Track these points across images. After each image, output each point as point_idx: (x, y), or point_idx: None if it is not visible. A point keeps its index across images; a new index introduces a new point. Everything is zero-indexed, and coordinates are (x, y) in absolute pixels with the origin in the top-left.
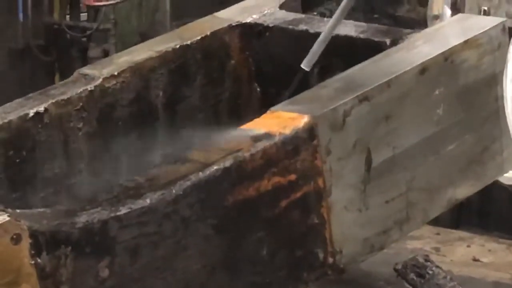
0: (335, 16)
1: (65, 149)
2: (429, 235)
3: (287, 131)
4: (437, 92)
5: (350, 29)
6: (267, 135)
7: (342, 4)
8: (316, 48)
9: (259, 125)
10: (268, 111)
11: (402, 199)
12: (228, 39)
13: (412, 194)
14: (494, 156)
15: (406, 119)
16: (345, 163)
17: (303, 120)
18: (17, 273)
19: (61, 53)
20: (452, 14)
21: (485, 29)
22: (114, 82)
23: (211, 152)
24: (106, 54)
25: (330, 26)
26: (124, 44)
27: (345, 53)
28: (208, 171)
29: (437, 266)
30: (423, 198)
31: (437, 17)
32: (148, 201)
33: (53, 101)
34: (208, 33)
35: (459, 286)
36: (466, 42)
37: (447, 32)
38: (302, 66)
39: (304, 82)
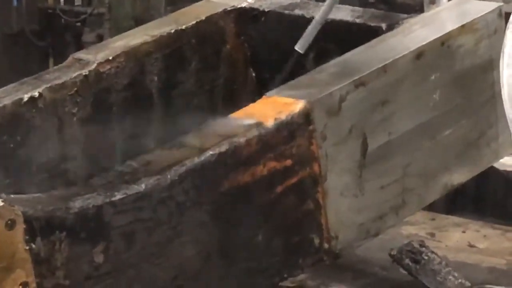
0: None
1: (60, 134)
2: (424, 220)
3: (283, 116)
4: (433, 77)
5: (346, 14)
6: (263, 121)
7: None
8: (310, 30)
9: (254, 110)
10: (264, 96)
11: (398, 184)
12: (223, 24)
13: (408, 180)
14: (490, 141)
15: (402, 104)
16: (341, 148)
17: (298, 105)
18: (12, 258)
19: (55, 37)
20: None
21: (482, 13)
22: (109, 66)
23: (206, 137)
24: (100, 38)
25: (325, 8)
26: (118, 29)
27: (341, 38)
28: (203, 157)
29: (432, 252)
30: (419, 184)
31: (433, 1)
32: (143, 186)
33: (48, 86)
34: (203, 18)
35: (454, 272)
36: (463, 26)
37: (443, 16)
38: (296, 48)
39: (300, 67)
